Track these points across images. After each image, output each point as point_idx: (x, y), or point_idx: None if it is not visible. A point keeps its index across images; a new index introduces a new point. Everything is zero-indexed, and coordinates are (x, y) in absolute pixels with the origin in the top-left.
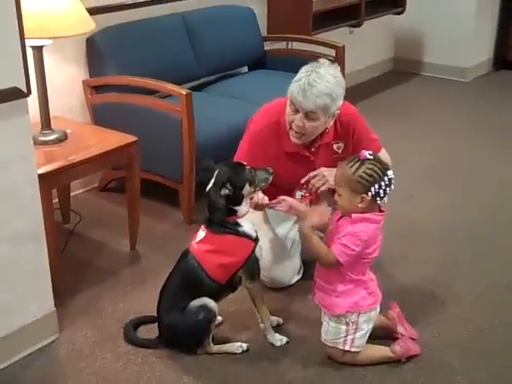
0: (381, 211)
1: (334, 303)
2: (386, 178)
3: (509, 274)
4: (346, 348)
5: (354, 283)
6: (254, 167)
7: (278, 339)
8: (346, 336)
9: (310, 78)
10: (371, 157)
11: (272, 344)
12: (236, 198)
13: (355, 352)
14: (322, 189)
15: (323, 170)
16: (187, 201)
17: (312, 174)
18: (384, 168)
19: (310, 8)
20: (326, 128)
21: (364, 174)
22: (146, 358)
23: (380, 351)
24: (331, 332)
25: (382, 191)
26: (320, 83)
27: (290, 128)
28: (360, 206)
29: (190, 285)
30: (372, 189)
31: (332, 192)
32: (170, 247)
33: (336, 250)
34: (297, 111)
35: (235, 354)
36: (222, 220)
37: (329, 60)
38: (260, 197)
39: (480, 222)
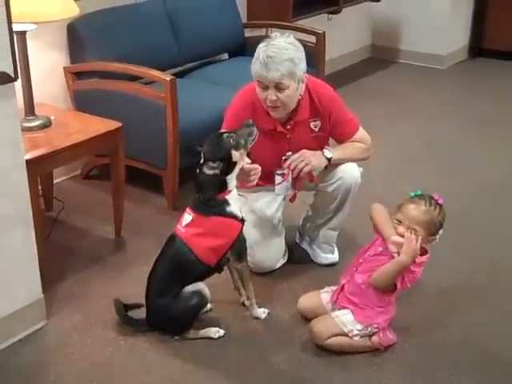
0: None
1: (367, 315)
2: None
3: (492, 258)
4: (348, 334)
5: (390, 305)
6: (234, 129)
7: (262, 312)
8: (356, 330)
9: (267, 51)
10: (442, 202)
11: (257, 318)
12: (228, 168)
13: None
14: (304, 170)
15: (305, 152)
16: (171, 187)
17: (295, 155)
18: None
19: None
20: (301, 96)
21: (441, 220)
22: (135, 343)
23: (362, 341)
24: (347, 319)
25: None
26: (278, 52)
27: (267, 106)
28: (424, 245)
29: (180, 269)
30: (440, 232)
31: (310, 175)
32: (155, 233)
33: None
34: (266, 87)
35: (212, 338)
36: (212, 197)
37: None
38: (247, 167)
39: (461, 203)
